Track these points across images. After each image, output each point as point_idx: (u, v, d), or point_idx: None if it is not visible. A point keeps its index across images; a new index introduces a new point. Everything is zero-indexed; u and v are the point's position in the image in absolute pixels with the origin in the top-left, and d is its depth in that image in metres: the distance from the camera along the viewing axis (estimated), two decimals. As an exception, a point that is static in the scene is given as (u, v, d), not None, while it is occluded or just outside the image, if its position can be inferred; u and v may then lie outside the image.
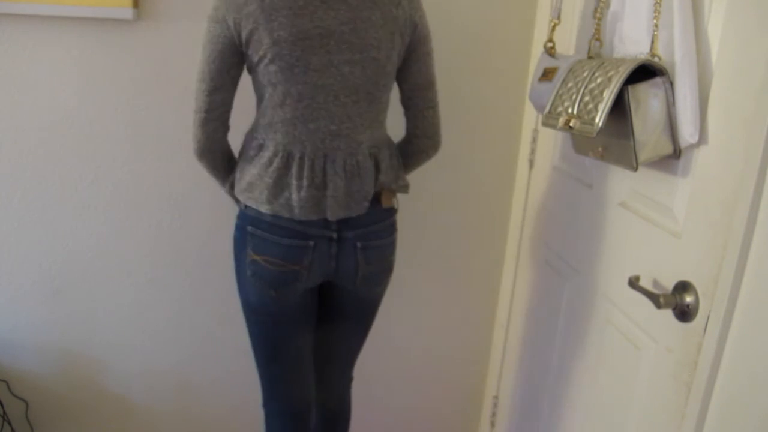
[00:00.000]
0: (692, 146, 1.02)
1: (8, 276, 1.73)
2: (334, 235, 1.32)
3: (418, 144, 1.41)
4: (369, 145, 1.32)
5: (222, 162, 1.37)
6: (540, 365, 1.66)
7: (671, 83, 1.02)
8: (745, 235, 0.89)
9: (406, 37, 1.30)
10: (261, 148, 1.29)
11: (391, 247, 1.43)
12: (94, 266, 1.75)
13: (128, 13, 1.54)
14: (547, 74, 1.31)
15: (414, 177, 1.82)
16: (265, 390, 1.52)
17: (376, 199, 1.35)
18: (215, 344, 1.86)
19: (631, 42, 1.11)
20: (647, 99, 1.03)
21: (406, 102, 1.39)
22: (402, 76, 1.35)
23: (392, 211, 1.41)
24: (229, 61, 1.24)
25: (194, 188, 1.72)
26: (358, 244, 1.34)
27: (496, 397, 1.99)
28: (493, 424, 2.01)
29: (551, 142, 1.63)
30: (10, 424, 1.78)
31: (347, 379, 1.63)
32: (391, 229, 1.42)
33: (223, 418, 1.93)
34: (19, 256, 1.72)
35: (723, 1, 0.97)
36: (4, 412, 1.76)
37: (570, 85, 1.13)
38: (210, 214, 1.75)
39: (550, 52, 1.37)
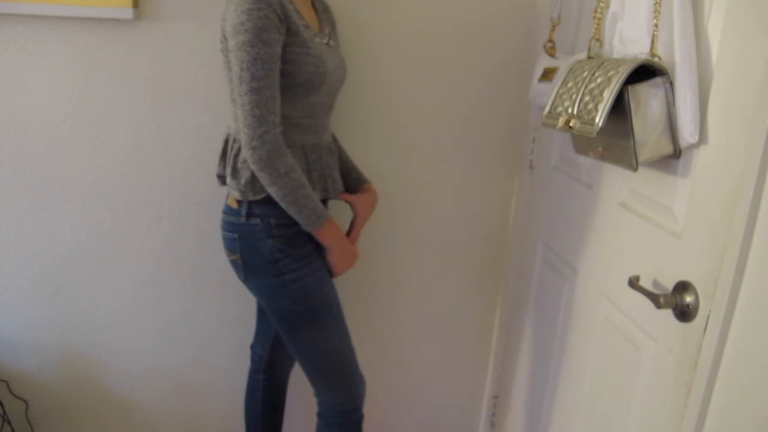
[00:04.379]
0: (692, 146, 1.02)
1: (8, 276, 1.73)
2: None
3: None
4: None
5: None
6: (540, 365, 1.66)
7: (671, 83, 1.02)
8: (745, 235, 0.89)
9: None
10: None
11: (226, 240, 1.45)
12: (94, 266, 1.75)
13: (128, 13, 1.54)
14: (547, 74, 1.31)
15: (414, 176, 1.83)
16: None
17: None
18: (215, 344, 1.86)
19: (631, 42, 1.11)
20: (647, 99, 1.03)
21: None
22: None
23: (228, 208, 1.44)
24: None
25: (194, 188, 1.73)
26: None
27: (496, 397, 1.99)
28: (493, 424, 2.01)
29: (551, 143, 1.63)
30: (10, 424, 1.78)
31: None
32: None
33: (222, 418, 1.93)
34: (19, 256, 1.72)
35: (723, 1, 0.97)
36: (4, 412, 1.76)
37: (570, 85, 1.13)
38: (210, 214, 1.75)
39: (550, 52, 1.37)
